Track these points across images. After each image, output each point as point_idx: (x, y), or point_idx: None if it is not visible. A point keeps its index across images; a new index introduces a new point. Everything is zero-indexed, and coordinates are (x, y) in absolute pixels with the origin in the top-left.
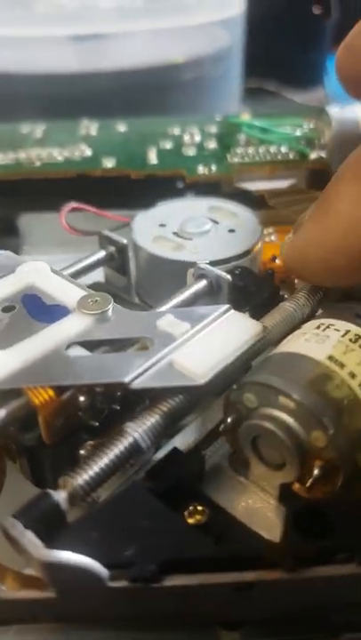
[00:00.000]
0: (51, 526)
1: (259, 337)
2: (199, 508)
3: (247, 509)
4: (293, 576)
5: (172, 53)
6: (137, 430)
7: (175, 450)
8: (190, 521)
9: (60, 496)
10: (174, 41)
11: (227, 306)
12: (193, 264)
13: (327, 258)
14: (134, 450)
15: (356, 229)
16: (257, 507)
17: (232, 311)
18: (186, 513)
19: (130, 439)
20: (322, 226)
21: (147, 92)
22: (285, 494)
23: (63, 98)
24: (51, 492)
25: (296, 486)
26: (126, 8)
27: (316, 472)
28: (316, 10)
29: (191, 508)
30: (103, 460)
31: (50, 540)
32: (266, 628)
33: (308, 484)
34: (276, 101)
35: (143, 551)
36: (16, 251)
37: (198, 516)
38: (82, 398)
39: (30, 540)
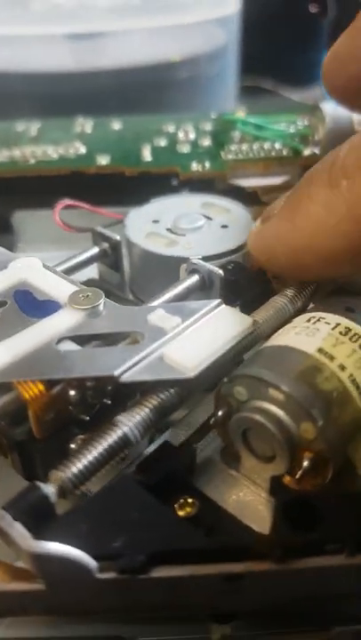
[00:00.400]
0: (39, 518)
1: (249, 331)
2: (190, 500)
3: (238, 502)
4: (282, 567)
5: (168, 52)
6: (127, 423)
7: (166, 443)
8: (180, 513)
9: (49, 489)
10: (171, 39)
11: (218, 300)
12: (186, 259)
13: (294, 255)
14: (124, 443)
15: (325, 233)
16: (248, 499)
17: (223, 306)
18: (176, 505)
19: (120, 432)
20: (291, 224)
21: (143, 90)
22: (276, 487)
23: (60, 96)
24: (40, 484)
25: (287, 479)
26: (123, 6)
27: (305, 464)
28: (313, 8)
29: (182, 500)
30: (93, 453)
31: (38, 532)
32: (256, 621)
33: (297, 476)
34: (273, 99)
35: (132, 543)
36: (10, 248)
37: (188, 509)
38: (72, 392)
39: (19, 531)
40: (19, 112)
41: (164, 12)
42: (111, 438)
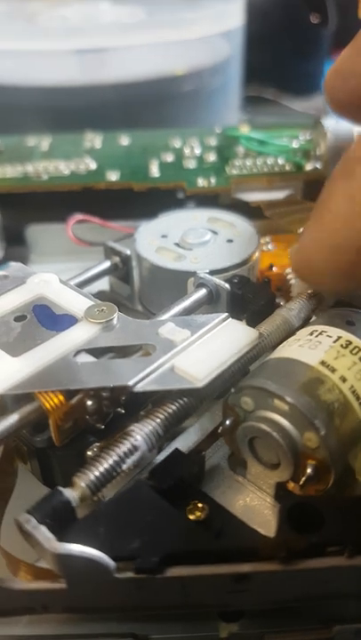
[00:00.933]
0: (62, 521)
1: (255, 343)
2: (199, 505)
3: (245, 507)
4: (287, 567)
5: (173, 65)
6: (141, 432)
7: (176, 450)
8: (191, 517)
9: (71, 494)
10: (175, 53)
11: (225, 314)
12: (193, 273)
13: (330, 256)
14: (140, 449)
15: (352, 224)
16: (254, 504)
17: (230, 319)
18: (187, 510)
19: (135, 440)
20: (321, 226)
21: (148, 102)
22: (281, 492)
23: (66, 109)
24: (62, 489)
25: (291, 485)
26: (128, 22)
27: (308, 471)
28: (314, 19)
29: (192, 505)
30: (110, 461)
31: (61, 535)
32: (262, 619)
33: (301, 483)
34: (275, 109)
35: (147, 544)
36: (23, 260)
37: (198, 513)
38: (89, 402)
39: (43, 533)
40: (26, 125)
41: (168, 27)
42: (126, 446)
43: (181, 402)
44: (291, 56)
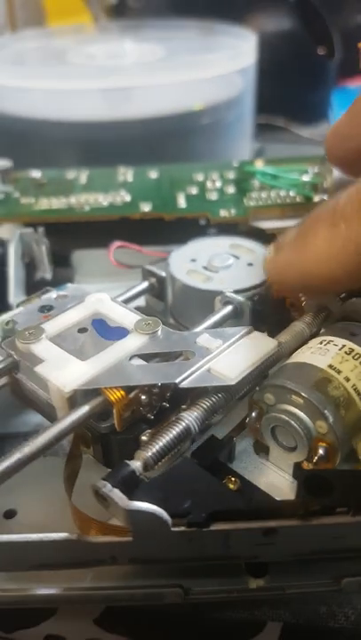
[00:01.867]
0: (129, 486)
1: (275, 350)
2: (233, 479)
3: (268, 484)
4: (305, 523)
5: (191, 101)
6: (189, 418)
7: (213, 436)
8: (230, 486)
9: (136, 465)
10: (194, 90)
11: (250, 327)
12: (220, 293)
13: (302, 278)
14: (187, 432)
15: (327, 261)
16: (275, 482)
17: (254, 331)
18: (225, 481)
19: (184, 424)
20: (300, 254)
21: (169, 136)
22: (297, 470)
23: (96, 143)
24: (129, 462)
25: (305, 464)
26: (150, 60)
27: (320, 452)
28: (321, 50)
29: (227, 479)
30: (165, 439)
31: (130, 496)
32: (283, 575)
33: (314, 461)
34: (285, 136)
35: (196, 505)
36: (69, 281)
37: (232, 485)
38: (143, 397)
39: (117, 494)
40: (61, 156)
41: (187, 67)
42: (178, 428)
43: (217, 396)
44: (299, 86)
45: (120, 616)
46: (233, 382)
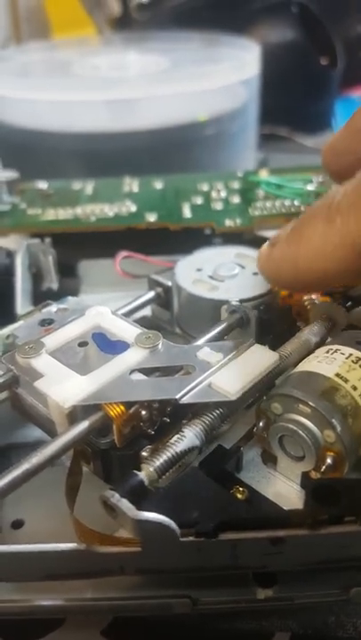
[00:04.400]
0: (137, 497)
1: (275, 364)
2: (240, 488)
3: (276, 494)
4: (313, 533)
5: (196, 112)
6: (192, 431)
7: (220, 446)
8: (238, 496)
9: (143, 475)
10: (198, 101)
11: (251, 340)
12: (226, 302)
13: (297, 274)
14: (192, 445)
15: (323, 257)
16: (283, 491)
17: (255, 344)
18: (232, 491)
19: (187, 436)
20: (295, 249)
21: (174, 147)
22: (305, 480)
23: (101, 154)
24: (136, 472)
25: (313, 474)
26: (154, 71)
27: (328, 461)
28: (324, 61)
29: (235, 488)
30: (170, 452)
31: (138, 507)
32: (291, 585)
33: (322, 471)
34: (289, 145)
35: (204, 515)
36: (75, 291)
37: (240, 495)
38: (143, 412)
39: (125, 504)
40: (67, 167)
41: (191, 79)
42: (181, 440)
43: (218, 411)
44: (303, 96)
45: (127, 627)
46: (234, 398)
